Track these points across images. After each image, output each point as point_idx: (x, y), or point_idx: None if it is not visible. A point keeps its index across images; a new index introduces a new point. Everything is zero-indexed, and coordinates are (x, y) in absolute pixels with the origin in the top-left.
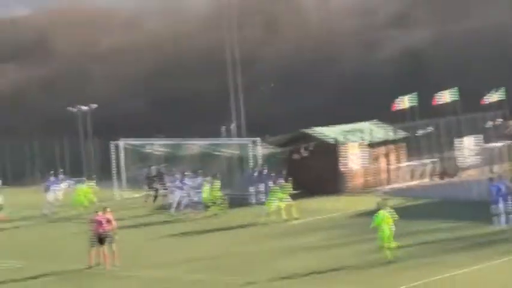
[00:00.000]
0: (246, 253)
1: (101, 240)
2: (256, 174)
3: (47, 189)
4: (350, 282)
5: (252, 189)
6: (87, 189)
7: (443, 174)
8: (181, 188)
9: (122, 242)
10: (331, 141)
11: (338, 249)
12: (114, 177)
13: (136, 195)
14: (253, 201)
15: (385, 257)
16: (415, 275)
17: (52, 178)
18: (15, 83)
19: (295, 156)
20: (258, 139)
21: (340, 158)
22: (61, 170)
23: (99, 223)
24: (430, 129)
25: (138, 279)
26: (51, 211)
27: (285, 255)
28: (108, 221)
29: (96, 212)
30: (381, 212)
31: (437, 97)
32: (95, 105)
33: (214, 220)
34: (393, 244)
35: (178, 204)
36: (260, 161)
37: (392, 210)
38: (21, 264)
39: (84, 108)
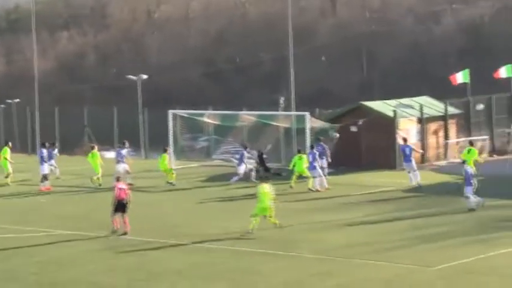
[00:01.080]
0: (293, 226)
1: (123, 207)
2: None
3: (118, 161)
4: (396, 257)
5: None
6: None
7: (493, 152)
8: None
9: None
10: (390, 114)
11: (388, 223)
12: (171, 146)
13: (194, 164)
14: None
15: (251, 227)
16: (463, 252)
17: (119, 149)
18: (71, 50)
19: (353, 128)
20: (307, 113)
21: (396, 133)
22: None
23: (122, 191)
24: (480, 107)
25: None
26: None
27: (333, 228)
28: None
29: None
30: (262, 185)
31: (496, 72)
32: (145, 76)
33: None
34: (273, 219)
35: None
36: (309, 136)
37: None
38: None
39: (144, 77)
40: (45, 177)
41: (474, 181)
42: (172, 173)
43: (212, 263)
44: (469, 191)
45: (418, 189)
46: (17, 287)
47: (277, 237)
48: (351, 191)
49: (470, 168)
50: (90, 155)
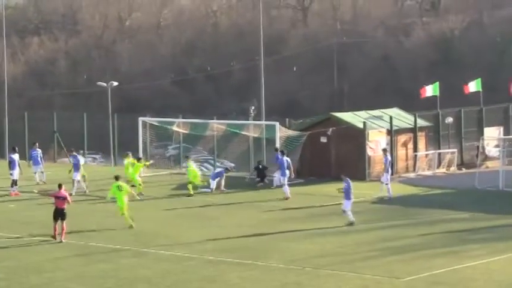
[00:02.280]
0: (262, 236)
1: (61, 215)
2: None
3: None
4: (364, 268)
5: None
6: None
7: (462, 165)
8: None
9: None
10: (360, 126)
11: (358, 234)
12: (141, 154)
13: (164, 172)
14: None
15: (126, 224)
16: (431, 264)
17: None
18: (42, 56)
19: (322, 139)
20: (277, 123)
21: (365, 144)
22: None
23: (63, 199)
24: (450, 120)
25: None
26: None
27: (304, 238)
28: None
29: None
30: (116, 183)
31: (466, 86)
32: (115, 83)
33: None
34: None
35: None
36: (278, 145)
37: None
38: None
39: (114, 83)
40: (14, 183)
41: None
42: (140, 184)
43: (182, 271)
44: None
45: (388, 201)
46: None
47: (248, 246)
48: (321, 201)
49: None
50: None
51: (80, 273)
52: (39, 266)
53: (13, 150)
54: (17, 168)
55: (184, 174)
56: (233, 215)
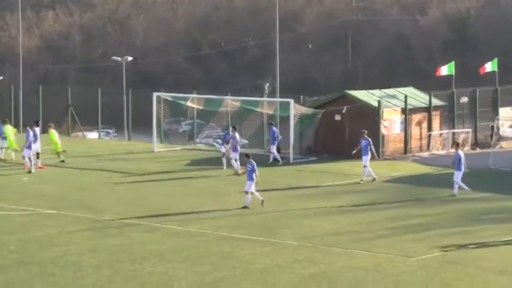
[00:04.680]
0: (274, 213)
1: None
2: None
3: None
4: (377, 246)
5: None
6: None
7: (476, 145)
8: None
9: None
10: (374, 104)
11: (371, 213)
12: (154, 129)
13: (178, 147)
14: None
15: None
16: (444, 243)
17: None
18: (56, 30)
19: (336, 117)
20: (291, 100)
21: (379, 122)
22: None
23: None
24: (464, 100)
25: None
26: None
27: (317, 216)
28: None
29: None
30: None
31: (483, 67)
32: (130, 58)
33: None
34: None
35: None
36: (293, 123)
37: None
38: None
39: (129, 58)
40: (37, 156)
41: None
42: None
43: (194, 246)
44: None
45: (401, 180)
46: None
47: (261, 223)
48: (334, 179)
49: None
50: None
51: (93, 246)
52: (51, 240)
53: (36, 124)
54: (39, 141)
55: (199, 150)
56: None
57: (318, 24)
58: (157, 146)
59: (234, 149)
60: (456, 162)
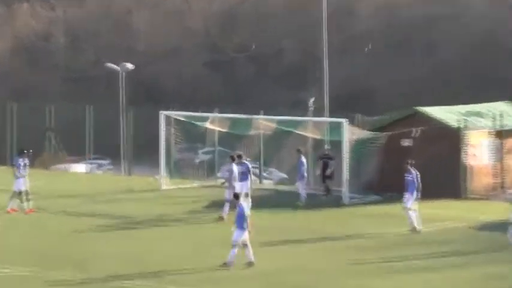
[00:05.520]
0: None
1: None
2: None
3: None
4: None
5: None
6: None
7: None
8: None
9: None
10: (453, 125)
11: (452, 270)
12: (162, 158)
13: (193, 184)
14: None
15: None
16: None
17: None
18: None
19: (405, 142)
20: (344, 120)
21: (462, 150)
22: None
23: None
24: None
25: None
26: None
27: (380, 274)
28: None
29: None
30: None
31: None
32: (130, 66)
33: None
34: None
35: None
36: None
37: None
38: None
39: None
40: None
41: None
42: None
43: None
44: None
45: (488, 228)
46: None
47: (310, 283)
48: (404, 225)
49: None
50: None
51: None
52: None
53: (20, 153)
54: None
55: (220, 187)
56: (283, 241)
57: (377, 22)
58: (166, 182)
59: (301, 178)
60: None
